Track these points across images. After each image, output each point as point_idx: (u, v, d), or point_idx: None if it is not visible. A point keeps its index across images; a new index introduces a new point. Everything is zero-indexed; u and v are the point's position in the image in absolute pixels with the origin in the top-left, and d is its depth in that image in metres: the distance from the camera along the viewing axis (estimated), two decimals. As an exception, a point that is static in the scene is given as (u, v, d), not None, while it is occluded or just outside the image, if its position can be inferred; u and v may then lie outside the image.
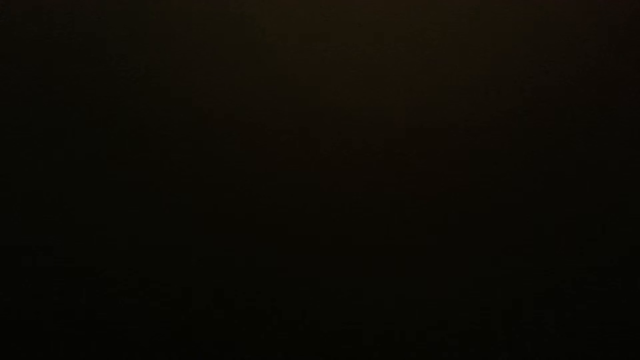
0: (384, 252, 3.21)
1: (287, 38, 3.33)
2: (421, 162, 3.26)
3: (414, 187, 3.25)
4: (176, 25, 3.35)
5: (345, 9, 3.35)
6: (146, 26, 3.35)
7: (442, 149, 3.26)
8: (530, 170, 3.24)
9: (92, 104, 3.31)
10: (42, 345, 3.12)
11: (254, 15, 3.35)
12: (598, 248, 3.20)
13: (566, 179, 3.24)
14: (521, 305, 3.16)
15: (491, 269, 3.19)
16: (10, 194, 3.25)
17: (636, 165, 3.24)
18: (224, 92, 3.31)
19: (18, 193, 3.25)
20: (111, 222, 3.23)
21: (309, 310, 3.16)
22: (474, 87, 3.30)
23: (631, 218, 3.21)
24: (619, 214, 3.22)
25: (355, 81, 3.31)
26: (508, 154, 3.26)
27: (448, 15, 3.34)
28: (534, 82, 3.30)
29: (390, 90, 3.30)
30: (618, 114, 3.27)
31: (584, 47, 3.32)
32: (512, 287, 3.17)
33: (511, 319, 3.15)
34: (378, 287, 3.18)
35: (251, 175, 3.27)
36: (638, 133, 3.26)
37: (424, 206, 3.24)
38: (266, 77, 3.31)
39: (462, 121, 3.27)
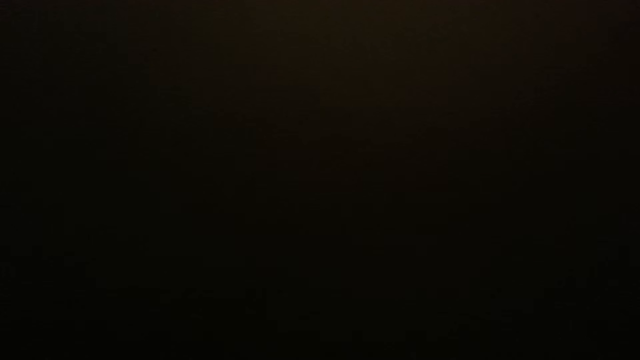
0: (384, 251, 3.21)
1: (287, 38, 3.33)
2: (421, 162, 3.26)
3: (414, 187, 3.25)
4: (176, 25, 3.35)
5: (346, 9, 3.35)
6: (146, 26, 3.35)
7: (442, 149, 3.26)
8: (530, 170, 3.24)
9: (91, 103, 3.31)
10: (40, 345, 3.12)
11: (254, 15, 3.35)
12: (597, 248, 3.20)
13: (566, 179, 3.24)
14: (521, 305, 3.16)
15: (491, 269, 3.19)
16: (10, 194, 3.25)
17: (636, 165, 3.24)
18: (224, 91, 3.31)
19: (18, 192, 3.25)
20: (111, 222, 3.23)
21: (309, 310, 3.16)
22: (474, 87, 3.30)
23: (631, 218, 3.21)
24: (619, 214, 3.22)
25: (355, 81, 3.31)
26: (508, 154, 3.26)
27: (448, 16, 3.34)
28: (534, 82, 3.30)
29: (390, 90, 3.30)
30: (618, 114, 3.28)
31: (584, 47, 3.32)
32: (512, 287, 3.18)
33: (511, 319, 3.15)
34: (377, 287, 3.18)
35: (251, 175, 3.27)
36: (638, 133, 3.26)
37: (424, 206, 3.24)
38: (266, 76, 3.31)
39: (462, 121, 3.27)
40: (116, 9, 3.35)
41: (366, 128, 3.28)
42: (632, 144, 3.25)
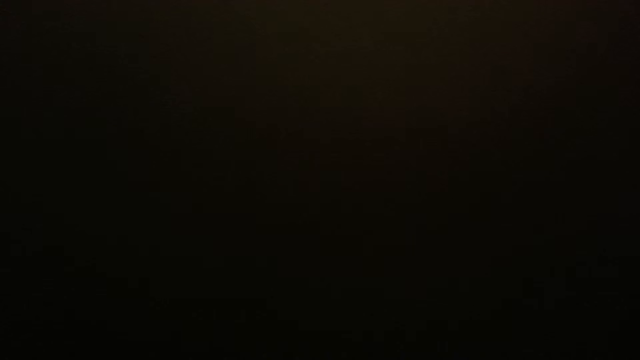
0: (383, 252, 3.21)
1: (288, 38, 3.33)
2: (421, 162, 3.26)
3: (414, 187, 3.25)
4: (176, 25, 3.35)
5: (346, 8, 3.35)
6: (146, 26, 3.35)
7: (442, 149, 3.26)
8: (530, 170, 3.24)
9: (91, 103, 3.30)
10: (40, 345, 3.12)
11: (255, 15, 3.35)
12: (597, 248, 3.20)
13: (566, 179, 3.24)
14: (521, 305, 3.16)
15: (491, 268, 3.19)
16: (9, 194, 3.25)
17: (636, 165, 3.24)
18: (224, 91, 3.31)
19: (17, 192, 3.25)
20: (111, 222, 3.23)
21: (308, 310, 3.16)
22: (474, 87, 3.30)
23: (631, 218, 3.21)
24: (619, 214, 3.22)
25: (355, 81, 3.31)
26: (508, 154, 3.26)
27: (448, 15, 3.34)
28: (534, 82, 3.30)
29: (390, 90, 3.30)
30: (618, 114, 3.27)
31: (583, 47, 3.32)
32: (512, 287, 3.17)
33: (511, 319, 3.15)
34: (377, 287, 3.18)
35: (251, 175, 3.26)
36: (638, 133, 3.26)
37: (423, 206, 3.24)
38: (266, 76, 3.31)
39: (462, 121, 3.27)
40: (116, 9, 3.35)
41: (366, 128, 3.28)
42: (632, 144, 3.25)
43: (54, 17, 3.33)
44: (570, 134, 3.26)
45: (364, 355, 3.12)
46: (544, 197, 3.23)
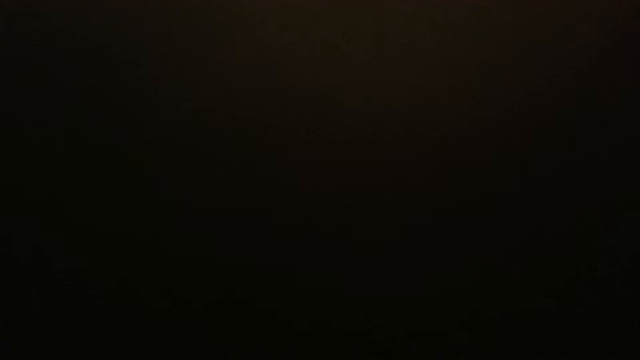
0: (383, 252, 3.21)
1: (288, 38, 3.33)
2: (421, 162, 3.26)
3: (414, 187, 3.25)
4: (176, 25, 3.35)
5: (346, 8, 3.35)
6: (146, 26, 3.35)
7: (442, 149, 3.26)
8: (530, 170, 3.24)
9: (91, 103, 3.30)
10: (40, 344, 3.12)
11: (255, 15, 3.35)
12: (597, 248, 3.20)
13: (566, 179, 3.24)
14: (521, 305, 3.16)
15: (491, 269, 3.19)
16: (10, 194, 3.25)
17: (636, 165, 3.24)
18: (224, 91, 3.31)
19: (18, 192, 3.25)
20: (111, 222, 3.23)
21: (308, 310, 3.16)
22: (474, 88, 3.30)
23: (631, 218, 3.21)
24: (619, 214, 3.22)
25: (355, 81, 3.31)
26: (508, 154, 3.26)
27: (448, 16, 3.34)
28: (534, 82, 3.30)
29: (390, 90, 3.30)
30: (618, 114, 3.28)
31: (583, 47, 3.32)
32: (512, 287, 3.18)
33: (511, 319, 3.15)
34: (377, 287, 3.18)
35: (251, 175, 3.27)
36: (638, 133, 3.26)
37: (423, 206, 3.24)
38: (266, 76, 3.31)
39: (462, 121, 3.27)
40: (116, 9, 3.35)
41: (366, 128, 3.28)
42: (632, 144, 3.25)
43: (54, 17, 3.33)
44: (570, 134, 3.26)
45: (364, 355, 3.12)
46: (543, 197, 3.23)
